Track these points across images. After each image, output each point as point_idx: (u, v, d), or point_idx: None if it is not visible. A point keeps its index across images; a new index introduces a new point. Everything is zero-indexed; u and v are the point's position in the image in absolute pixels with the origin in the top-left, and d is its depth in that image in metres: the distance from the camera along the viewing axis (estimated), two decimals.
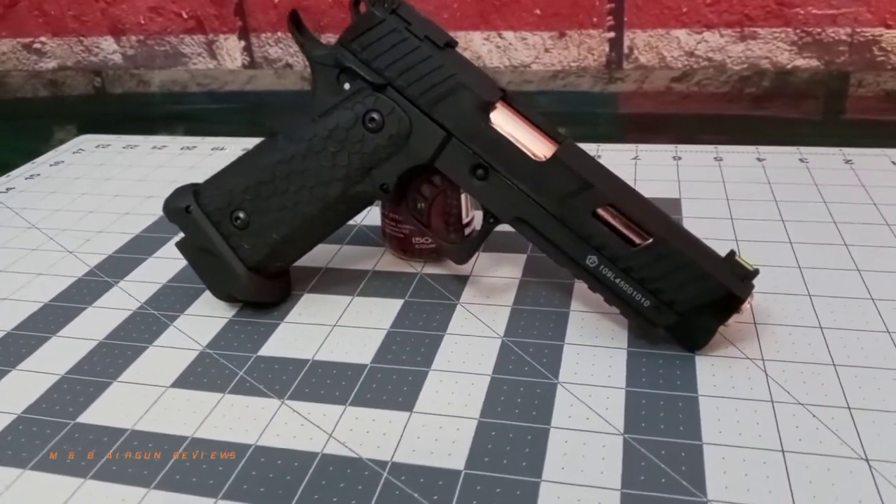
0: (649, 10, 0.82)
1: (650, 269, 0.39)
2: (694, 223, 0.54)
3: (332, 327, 0.45)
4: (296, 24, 0.43)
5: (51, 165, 0.76)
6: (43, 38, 0.97)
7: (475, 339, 0.43)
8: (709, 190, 0.59)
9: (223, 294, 0.46)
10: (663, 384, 0.38)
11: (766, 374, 0.38)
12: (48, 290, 0.52)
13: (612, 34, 0.84)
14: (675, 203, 0.57)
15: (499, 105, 0.41)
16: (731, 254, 0.39)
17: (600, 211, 0.39)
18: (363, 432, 0.37)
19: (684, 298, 0.39)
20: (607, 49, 0.84)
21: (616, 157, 0.67)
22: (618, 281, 0.40)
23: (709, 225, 0.54)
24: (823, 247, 0.50)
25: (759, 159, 0.64)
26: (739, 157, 0.65)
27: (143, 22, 0.93)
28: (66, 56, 0.97)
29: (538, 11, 0.85)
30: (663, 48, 0.83)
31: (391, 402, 0.38)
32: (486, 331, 0.44)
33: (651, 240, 0.39)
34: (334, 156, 0.42)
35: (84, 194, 0.68)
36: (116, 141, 0.82)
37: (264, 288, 0.46)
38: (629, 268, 0.39)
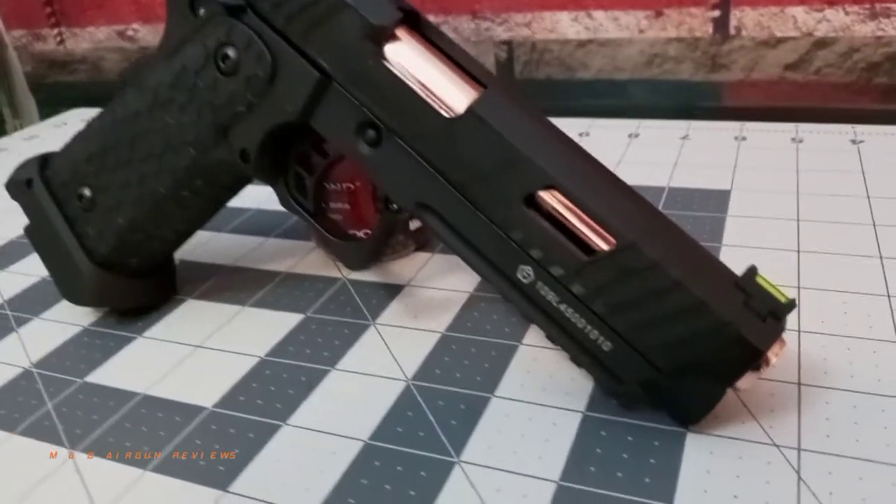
0: None
1: (612, 291, 0.24)
2: (739, 224, 0.38)
3: (195, 349, 0.33)
4: None
5: (24, 140, 0.68)
6: (135, 26, 0.96)
7: (370, 380, 0.30)
8: (774, 180, 0.43)
9: (69, 295, 0.35)
10: (621, 481, 0.23)
11: (800, 477, 0.23)
12: None
13: (716, 13, 0.70)
14: (722, 196, 0.41)
15: (400, 33, 0.27)
16: (751, 272, 0.24)
17: (543, 196, 0.25)
18: None
19: (664, 342, 0.24)
20: (711, 30, 0.69)
21: (660, 136, 0.51)
22: (563, 307, 0.25)
23: (760, 228, 0.37)
24: None
25: (854, 141, 0.47)
26: (827, 138, 0.48)
27: None
28: (154, 41, 0.95)
29: None
30: (776, 29, 0.67)
31: (206, 473, 0.26)
32: (391, 368, 0.30)
33: (615, 245, 0.24)
34: (182, 110, 0.30)
35: None
36: None
37: (117, 290, 0.35)
38: (581, 288, 0.25)
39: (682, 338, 0.23)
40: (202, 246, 0.42)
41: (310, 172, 0.30)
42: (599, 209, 0.24)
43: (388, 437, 0.26)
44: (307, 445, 0.26)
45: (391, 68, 0.26)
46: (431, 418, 0.27)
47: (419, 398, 0.28)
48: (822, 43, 0.67)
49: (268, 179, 0.31)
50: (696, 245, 0.24)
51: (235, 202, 0.47)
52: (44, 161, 0.35)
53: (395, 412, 0.28)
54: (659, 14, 0.72)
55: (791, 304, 0.23)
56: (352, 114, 0.27)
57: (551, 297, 0.25)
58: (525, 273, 0.25)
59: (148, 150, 0.31)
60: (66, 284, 0.35)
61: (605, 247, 0.24)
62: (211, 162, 0.30)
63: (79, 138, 0.34)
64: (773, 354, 0.23)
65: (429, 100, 0.26)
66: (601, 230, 0.24)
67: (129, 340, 0.34)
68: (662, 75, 0.73)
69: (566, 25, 0.78)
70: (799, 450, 0.24)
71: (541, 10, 0.78)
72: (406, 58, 0.27)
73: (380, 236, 0.29)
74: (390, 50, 0.27)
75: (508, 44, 0.80)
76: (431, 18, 0.77)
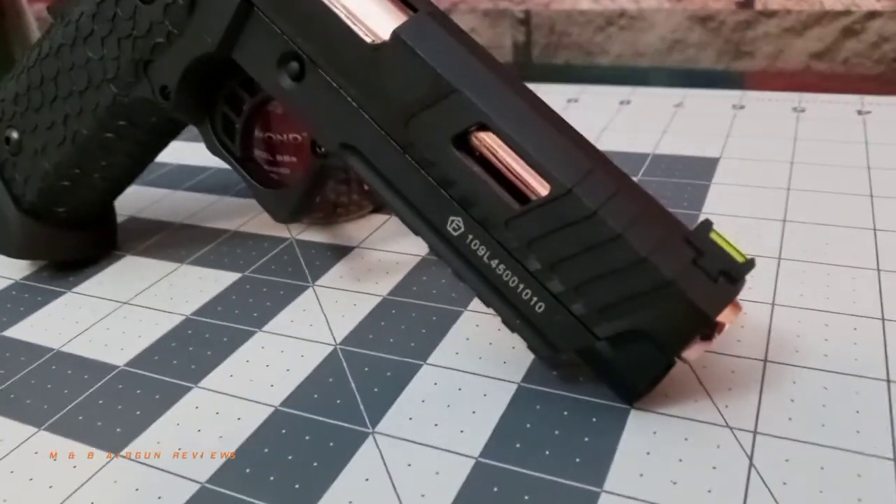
0: None
1: (545, 245, 0.21)
2: (723, 192, 0.35)
3: (121, 306, 0.30)
4: None
5: None
6: None
7: (296, 343, 0.27)
8: (770, 149, 0.39)
9: None
10: (547, 460, 0.21)
11: (752, 463, 0.20)
12: None
13: None
14: (709, 164, 0.38)
15: None
16: (705, 227, 0.21)
17: (476, 137, 0.22)
18: (26, 477, 0.22)
19: (600, 304, 0.21)
20: (734, 8, 0.67)
21: (652, 104, 0.48)
22: (494, 263, 0.22)
23: (746, 196, 0.34)
24: None
25: (860, 112, 0.43)
26: (832, 108, 0.44)
27: None
28: None
29: None
30: (804, 13, 0.64)
31: (103, 434, 0.23)
32: (321, 331, 0.27)
33: (549, 192, 0.21)
34: (104, 43, 0.28)
35: None
36: None
37: (47, 241, 0.32)
38: (513, 241, 0.22)
39: (620, 299, 0.20)
40: (155, 203, 0.40)
41: (238, 114, 0.28)
42: (534, 152, 0.21)
43: (301, 403, 0.24)
44: (212, 410, 0.24)
45: None
46: (352, 385, 0.24)
47: (344, 363, 0.26)
48: (850, 31, 0.63)
49: (191, 120, 0.28)
50: (644, 195, 0.21)
51: (196, 160, 0.45)
52: None
53: (314, 377, 0.25)
54: None
55: (749, 264, 0.20)
56: (274, 44, 0.25)
57: (482, 251, 0.22)
58: (455, 224, 0.23)
59: (70, 87, 0.29)
60: None
61: (543, 195, 0.21)
62: (133, 101, 0.28)
63: (9, 77, 0.32)
64: (724, 321, 0.20)
65: (353, 26, 0.23)
66: (539, 177, 0.22)
67: (57, 295, 0.32)
68: (684, 63, 0.70)
69: (586, 6, 0.75)
70: (755, 433, 0.21)
71: None
72: None
73: (307, 183, 0.26)
74: None
75: (527, 25, 0.77)
76: None
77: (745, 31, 0.69)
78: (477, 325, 0.27)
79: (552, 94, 0.51)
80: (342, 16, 0.23)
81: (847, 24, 0.65)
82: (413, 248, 0.33)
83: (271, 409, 0.24)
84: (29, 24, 0.47)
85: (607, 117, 0.46)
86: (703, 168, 0.38)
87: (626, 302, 0.20)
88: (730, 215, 0.33)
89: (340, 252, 0.33)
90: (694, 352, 0.21)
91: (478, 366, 0.25)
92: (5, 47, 0.46)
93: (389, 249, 0.33)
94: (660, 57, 0.71)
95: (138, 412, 0.24)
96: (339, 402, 0.24)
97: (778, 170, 0.37)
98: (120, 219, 0.38)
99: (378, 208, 0.36)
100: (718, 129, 0.43)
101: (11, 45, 0.46)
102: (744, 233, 0.31)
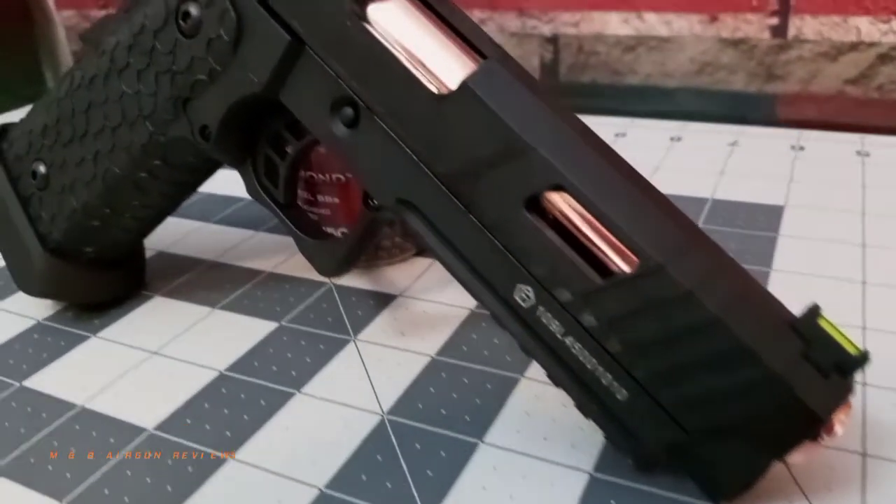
0: None
1: (631, 326, 0.19)
2: (792, 246, 0.32)
3: (150, 356, 0.28)
4: None
5: None
6: None
7: (340, 410, 0.25)
8: (838, 197, 0.37)
9: (22, 284, 0.31)
10: None
11: None
12: None
13: (775, 20, 0.65)
14: (774, 212, 0.36)
15: None
16: (812, 313, 0.19)
17: (550, 199, 0.20)
18: None
19: (694, 397, 0.19)
20: (768, 37, 0.65)
21: (705, 141, 0.45)
22: (569, 341, 0.20)
23: (818, 252, 0.32)
24: None
25: None
26: None
27: None
28: None
29: None
30: (839, 40, 0.62)
31: None
32: (366, 397, 0.25)
33: (637, 267, 0.19)
34: (140, 77, 0.26)
35: None
36: None
37: (72, 282, 0.31)
38: (592, 319, 0.19)
39: (717, 392, 0.18)
40: (185, 237, 0.38)
41: (283, 157, 0.26)
42: (620, 220, 0.19)
43: (348, 486, 0.22)
44: (249, 489, 0.22)
45: (373, 33, 0.22)
46: (404, 467, 0.22)
47: (393, 439, 0.23)
48: (886, 57, 0.61)
49: (233, 162, 0.26)
50: (743, 274, 0.19)
51: (227, 191, 0.43)
52: (2, 131, 0.31)
53: (361, 454, 0.23)
54: (714, 19, 0.67)
55: (863, 358, 0.18)
56: (326, 87, 0.23)
57: (555, 326, 0.20)
58: (524, 294, 0.20)
59: (102, 122, 0.27)
60: (19, 272, 0.31)
61: (625, 268, 0.19)
62: (169, 140, 0.26)
63: (39, 106, 0.30)
64: (837, 422, 0.18)
65: (416, 72, 0.21)
66: (622, 247, 0.19)
67: (81, 340, 0.30)
68: (714, 84, 0.69)
69: (615, 27, 0.74)
70: None
71: (590, 9, 0.74)
72: (393, 21, 0.22)
73: (357, 237, 0.24)
74: (375, 11, 0.22)
75: (554, 44, 0.76)
76: (477, 14, 0.72)
77: (778, 55, 0.67)
78: (537, 398, 0.25)
79: (598, 127, 0.48)
80: (403, 60, 0.21)
81: (883, 50, 0.63)
82: (460, 299, 0.31)
83: (316, 492, 0.21)
84: (56, 32, 0.46)
85: (658, 155, 0.44)
86: (768, 217, 0.35)
87: (724, 395, 0.18)
88: (804, 274, 0.30)
89: (383, 301, 0.31)
90: (802, 455, 0.18)
91: (542, 448, 0.22)
92: (33, 54, 0.45)
93: (435, 300, 0.31)
94: (689, 78, 0.70)
95: (169, 487, 0.22)
96: (389, 486, 0.22)
97: (849, 221, 0.34)
98: (148, 254, 0.36)
99: (421, 251, 0.34)
100: (779, 172, 0.40)
101: (39, 51, 0.45)
102: (821, 296, 0.29)
